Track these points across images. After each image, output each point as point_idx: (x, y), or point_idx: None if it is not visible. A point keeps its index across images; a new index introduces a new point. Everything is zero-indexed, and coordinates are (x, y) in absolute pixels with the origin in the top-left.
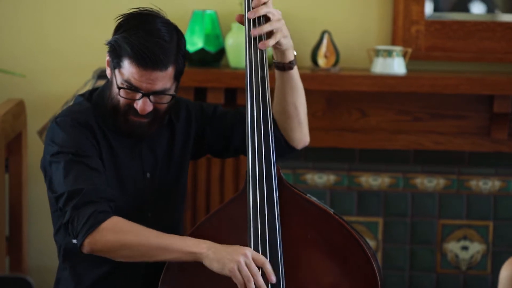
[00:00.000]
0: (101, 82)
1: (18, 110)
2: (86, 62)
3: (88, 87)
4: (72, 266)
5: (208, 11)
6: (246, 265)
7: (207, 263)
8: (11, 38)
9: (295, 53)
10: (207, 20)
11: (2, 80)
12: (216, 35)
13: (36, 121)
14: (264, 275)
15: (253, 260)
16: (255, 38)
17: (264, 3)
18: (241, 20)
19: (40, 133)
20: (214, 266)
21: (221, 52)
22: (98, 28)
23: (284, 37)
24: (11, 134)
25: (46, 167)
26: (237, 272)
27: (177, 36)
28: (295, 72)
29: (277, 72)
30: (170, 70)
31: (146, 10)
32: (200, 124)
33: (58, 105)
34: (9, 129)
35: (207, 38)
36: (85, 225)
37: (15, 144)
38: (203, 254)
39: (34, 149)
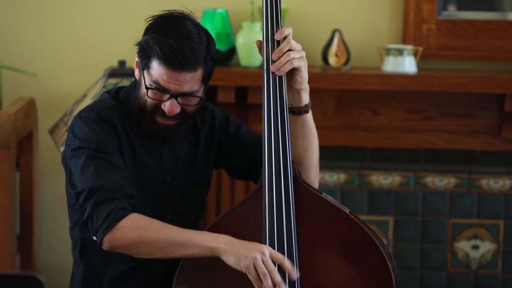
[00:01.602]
0: (112, 81)
1: (29, 108)
2: (97, 61)
3: (99, 85)
4: (88, 263)
5: (219, 10)
6: (263, 262)
7: (224, 257)
8: (21, 36)
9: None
10: (218, 19)
11: (13, 78)
12: (227, 34)
13: (47, 120)
14: (282, 273)
15: (271, 257)
16: (272, 41)
17: (285, 37)
18: (260, 45)
19: (51, 131)
20: (231, 260)
21: (232, 50)
22: (109, 27)
23: (305, 70)
24: (22, 132)
25: (67, 160)
26: (252, 269)
27: (207, 38)
28: (309, 116)
29: (290, 117)
30: (199, 72)
31: (177, 12)
32: (221, 136)
33: (69, 104)
34: (20, 127)
35: (218, 37)
36: (104, 222)
37: (26, 143)
38: (220, 248)
39: (45, 147)
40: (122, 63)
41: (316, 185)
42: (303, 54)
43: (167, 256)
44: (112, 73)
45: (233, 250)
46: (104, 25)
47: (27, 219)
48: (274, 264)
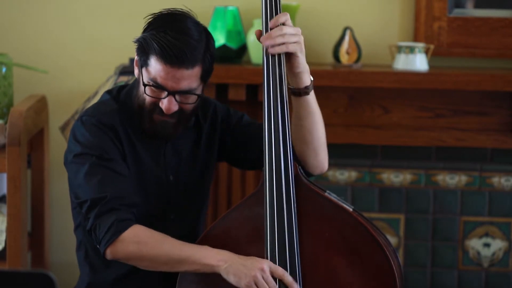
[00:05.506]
0: (123, 78)
1: (40, 106)
2: (108, 59)
3: (110, 83)
4: (91, 263)
5: (230, 8)
6: (264, 279)
7: (224, 275)
8: (33, 34)
9: (312, 78)
10: (229, 16)
11: (25, 76)
12: (238, 32)
13: (58, 117)
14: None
15: (272, 272)
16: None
17: (283, 23)
18: (259, 35)
19: (62, 129)
20: (231, 279)
21: (243, 48)
22: (120, 25)
23: (301, 53)
24: (33, 130)
25: (67, 165)
26: (254, 286)
27: (207, 36)
28: (311, 97)
29: (293, 98)
30: (197, 69)
31: (177, 10)
32: (223, 130)
33: (80, 101)
34: (31, 125)
35: (229, 35)
36: (106, 234)
37: (37, 140)
38: (220, 267)
39: (56, 145)
40: (133, 60)
41: (325, 164)
42: (300, 38)
43: (169, 270)
44: (123, 71)
45: (233, 269)
46: (115, 23)
47: (38, 217)
48: (275, 279)
